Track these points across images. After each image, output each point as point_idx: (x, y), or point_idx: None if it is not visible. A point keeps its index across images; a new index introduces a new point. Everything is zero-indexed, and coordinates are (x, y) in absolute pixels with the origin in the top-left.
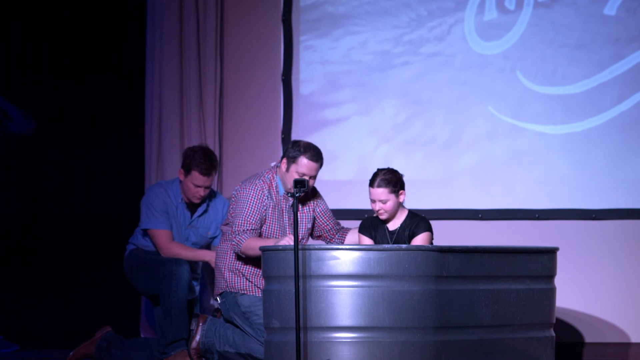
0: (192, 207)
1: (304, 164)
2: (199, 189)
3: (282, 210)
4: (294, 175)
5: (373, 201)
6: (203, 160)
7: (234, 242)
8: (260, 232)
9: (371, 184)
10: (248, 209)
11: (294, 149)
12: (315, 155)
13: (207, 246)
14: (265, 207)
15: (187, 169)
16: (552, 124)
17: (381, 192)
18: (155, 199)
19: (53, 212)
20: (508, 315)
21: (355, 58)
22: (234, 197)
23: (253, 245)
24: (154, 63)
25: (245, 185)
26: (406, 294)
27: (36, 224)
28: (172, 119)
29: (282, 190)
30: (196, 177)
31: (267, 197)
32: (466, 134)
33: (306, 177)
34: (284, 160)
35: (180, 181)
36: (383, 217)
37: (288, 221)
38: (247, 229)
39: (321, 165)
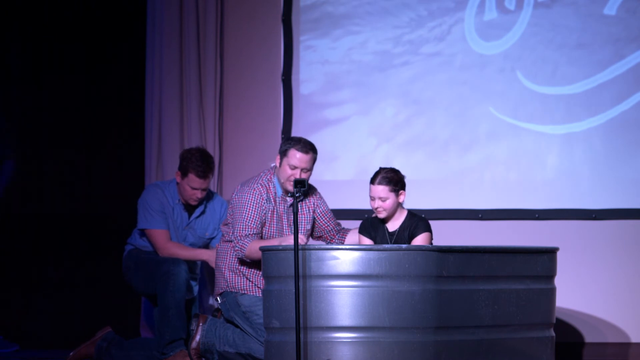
0: (189, 208)
1: (294, 156)
2: (195, 191)
3: (281, 212)
4: (286, 169)
5: (372, 198)
6: (200, 162)
7: (237, 248)
8: (260, 235)
9: (372, 180)
10: (248, 214)
11: (285, 143)
12: (305, 146)
13: (205, 247)
14: (264, 211)
15: (183, 171)
16: (552, 124)
17: (381, 190)
18: (152, 199)
19: (53, 212)
20: (508, 315)
21: (355, 58)
22: (233, 200)
23: (257, 247)
24: (154, 63)
25: (244, 190)
26: (406, 294)
27: (36, 224)
28: (172, 119)
29: (280, 192)
30: (193, 179)
31: (266, 201)
32: (466, 134)
33: (298, 170)
34: (278, 156)
35: (177, 183)
36: (381, 215)
37: (287, 222)
38: (249, 234)
39: (314, 158)
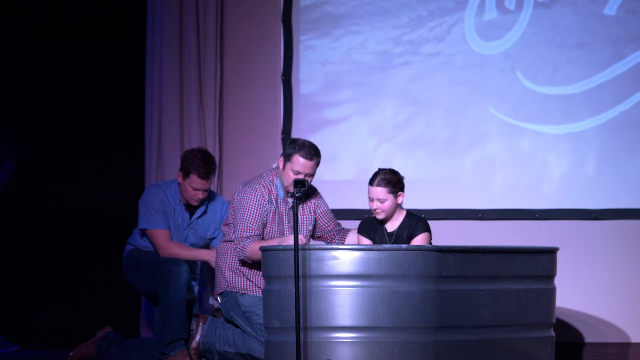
0: (190, 208)
1: (298, 162)
2: (197, 192)
3: (282, 213)
4: (289, 173)
5: (371, 200)
6: (202, 163)
7: (238, 249)
8: (262, 236)
9: (371, 182)
10: (249, 215)
11: (290, 146)
12: (310, 153)
13: (206, 247)
14: (266, 212)
15: (185, 172)
16: (552, 124)
17: (380, 191)
18: (153, 199)
19: (53, 212)
20: (508, 315)
21: (355, 58)
22: (235, 201)
23: (258, 248)
24: (154, 63)
25: (246, 190)
26: (406, 294)
27: (36, 223)
28: (172, 119)
29: (281, 194)
30: (195, 180)
31: (268, 202)
32: (466, 134)
33: (301, 175)
34: (281, 159)
35: (179, 183)
36: (379, 216)
37: (288, 224)
38: (250, 235)
39: (318, 163)
